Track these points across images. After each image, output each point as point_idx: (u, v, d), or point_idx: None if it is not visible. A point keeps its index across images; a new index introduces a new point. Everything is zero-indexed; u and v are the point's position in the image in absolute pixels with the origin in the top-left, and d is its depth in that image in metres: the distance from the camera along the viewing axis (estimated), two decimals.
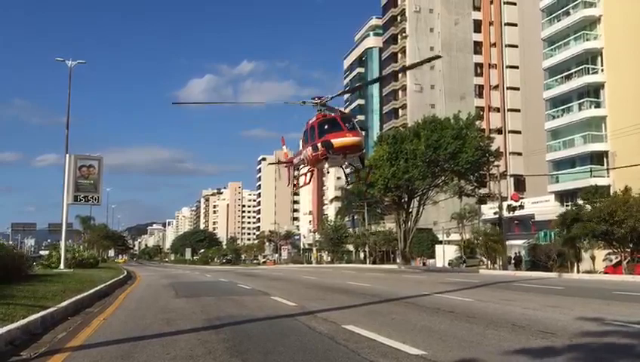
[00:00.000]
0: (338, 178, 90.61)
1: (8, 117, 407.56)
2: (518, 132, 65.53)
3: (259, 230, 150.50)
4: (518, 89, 66.04)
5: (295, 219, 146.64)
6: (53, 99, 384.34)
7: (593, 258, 35.21)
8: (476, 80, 76.50)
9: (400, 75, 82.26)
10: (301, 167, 15.00)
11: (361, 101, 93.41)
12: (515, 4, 67.71)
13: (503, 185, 47.82)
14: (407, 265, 52.74)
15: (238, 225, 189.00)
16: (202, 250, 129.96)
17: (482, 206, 55.50)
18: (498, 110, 73.20)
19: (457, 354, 5.80)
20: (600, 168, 45.45)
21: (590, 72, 46.43)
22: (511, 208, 44.49)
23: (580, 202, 36.78)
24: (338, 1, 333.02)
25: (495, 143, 53.79)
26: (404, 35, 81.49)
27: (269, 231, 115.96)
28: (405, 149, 47.67)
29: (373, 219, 70.28)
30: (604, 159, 45.52)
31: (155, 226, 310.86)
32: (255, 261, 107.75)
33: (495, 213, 44.02)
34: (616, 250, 31.21)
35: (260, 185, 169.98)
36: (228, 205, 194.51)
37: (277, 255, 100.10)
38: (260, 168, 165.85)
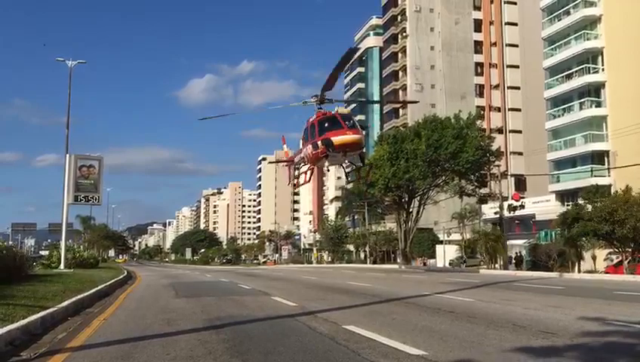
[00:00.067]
0: (338, 178, 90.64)
1: (8, 117, 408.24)
2: (519, 131, 65.54)
3: (259, 230, 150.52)
4: (518, 88, 66.05)
5: (295, 219, 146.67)
6: (53, 99, 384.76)
7: (594, 258, 35.19)
8: (477, 79, 76.52)
9: (400, 74, 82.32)
10: (301, 165, 15.00)
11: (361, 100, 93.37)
12: (515, 3, 67.72)
13: (503, 185, 47.76)
14: (408, 265, 52.72)
15: (238, 225, 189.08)
16: (202, 250, 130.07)
17: (483, 206, 55.49)
18: (499, 109, 73.20)
19: (458, 354, 5.79)
20: (601, 168, 45.43)
21: (591, 71, 46.41)
22: (512, 208, 44.43)
23: (581, 202, 36.73)
24: (338, 1, 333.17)
25: (496, 143, 53.78)
26: (404, 34, 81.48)
27: (270, 231, 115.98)
28: (406, 149, 47.66)
29: (373, 218, 70.26)
30: (605, 159, 45.51)
31: (155, 226, 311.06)
32: (255, 261, 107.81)
33: (496, 213, 43.97)
34: (617, 250, 31.18)
35: (260, 185, 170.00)
36: (228, 205, 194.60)
37: (277, 255, 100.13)
38: (260, 168, 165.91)
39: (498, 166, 48.37)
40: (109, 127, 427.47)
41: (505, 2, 71.71)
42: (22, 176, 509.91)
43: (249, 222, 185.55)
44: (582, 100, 47.30)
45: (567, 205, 42.46)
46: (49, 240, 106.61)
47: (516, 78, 66.62)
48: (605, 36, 45.55)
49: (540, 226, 46.19)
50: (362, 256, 72.80)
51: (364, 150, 13.17)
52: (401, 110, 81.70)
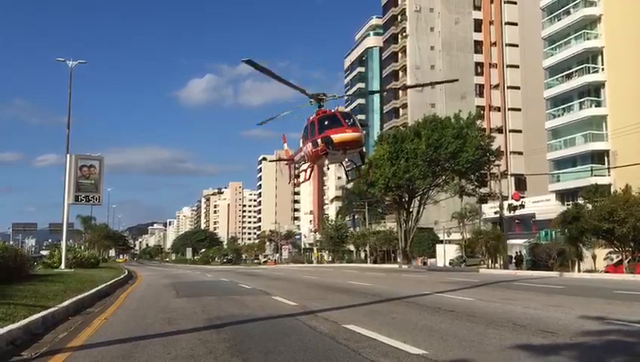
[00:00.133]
0: (339, 177, 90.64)
1: (9, 117, 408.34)
2: (519, 131, 65.53)
3: (259, 230, 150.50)
4: (518, 88, 66.04)
5: (296, 218, 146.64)
6: (53, 99, 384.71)
7: (594, 257, 35.20)
8: (477, 79, 76.52)
9: (400, 74, 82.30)
10: (302, 164, 15.02)
11: (361, 100, 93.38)
12: (515, 3, 67.69)
13: (503, 185, 47.77)
14: (408, 264, 52.72)
15: (238, 225, 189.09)
16: (203, 250, 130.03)
17: (483, 205, 55.51)
18: (499, 109, 73.20)
19: (458, 353, 5.80)
20: (601, 167, 45.43)
21: (591, 71, 46.41)
22: (512, 207, 44.44)
23: (581, 201, 36.75)
24: (338, 1, 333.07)
25: (496, 142, 53.82)
26: (404, 34, 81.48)
27: (270, 231, 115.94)
28: (406, 149, 47.68)
29: (373, 218, 70.28)
30: (605, 158, 45.52)
31: (155, 226, 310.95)
32: (256, 261, 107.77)
33: (496, 213, 43.98)
34: (617, 249, 31.21)
35: (260, 184, 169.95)
36: (229, 205, 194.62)
37: (278, 254, 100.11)
38: (260, 168, 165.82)
39: (498, 165, 48.40)
40: (109, 127, 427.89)
41: (505, 2, 71.69)
42: (22, 176, 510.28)
43: (249, 222, 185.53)
44: (582, 100, 47.29)
45: (567, 204, 42.50)
46: (50, 240, 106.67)
47: (516, 78, 66.61)
48: (605, 36, 45.54)
49: (540, 226, 46.20)
50: (362, 255, 72.79)
51: (364, 149, 13.19)
52: (401, 110, 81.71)
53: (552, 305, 10.71)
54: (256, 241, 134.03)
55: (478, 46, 76.89)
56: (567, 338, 6.62)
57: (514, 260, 41.28)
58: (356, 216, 78.96)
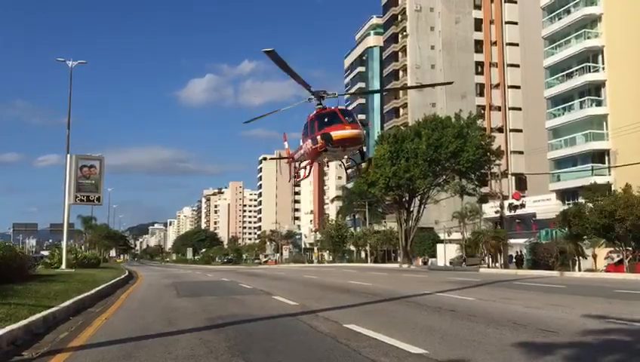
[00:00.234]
0: (339, 177, 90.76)
1: (9, 117, 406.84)
2: (520, 130, 65.55)
3: (260, 229, 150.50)
4: (519, 87, 66.04)
5: (296, 218, 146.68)
6: (53, 99, 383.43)
7: (595, 256, 35.18)
8: (477, 78, 76.51)
9: (401, 73, 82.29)
10: (302, 162, 15.03)
11: (361, 100, 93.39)
12: (515, 2, 67.74)
13: (504, 184, 47.82)
14: (409, 264, 52.72)
15: (239, 225, 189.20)
16: (204, 250, 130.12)
17: (483, 205, 55.42)
18: (499, 109, 73.19)
19: (458, 352, 5.80)
20: (601, 166, 45.41)
21: (591, 70, 46.38)
22: (512, 207, 44.46)
23: (582, 200, 36.74)
24: (338, 1, 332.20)
25: (496, 142, 53.77)
26: (404, 33, 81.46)
27: (271, 231, 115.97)
28: (406, 148, 47.65)
29: (374, 218, 70.27)
30: (606, 157, 45.50)
31: (156, 226, 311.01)
32: (256, 260, 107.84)
33: (496, 212, 43.99)
34: (617, 249, 31.21)
35: (260, 184, 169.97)
36: (229, 205, 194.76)
37: (278, 254, 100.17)
38: (260, 168, 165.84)
39: (499, 165, 48.40)
40: (110, 127, 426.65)
41: (505, 1, 71.74)
42: (23, 177, 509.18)
43: (250, 222, 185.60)
44: (582, 99, 47.26)
45: (568, 204, 42.53)
46: (50, 241, 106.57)
47: (517, 77, 66.61)
48: (606, 35, 45.51)
49: (540, 225, 46.17)
50: (363, 255, 72.80)
51: (364, 147, 13.19)
52: (401, 109, 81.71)
53: (553, 305, 10.71)
54: (257, 241, 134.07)
55: (478, 45, 76.87)
56: (568, 338, 6.62)
57: (514, 260, 41.29)
58: (357, 216, 78.96)
